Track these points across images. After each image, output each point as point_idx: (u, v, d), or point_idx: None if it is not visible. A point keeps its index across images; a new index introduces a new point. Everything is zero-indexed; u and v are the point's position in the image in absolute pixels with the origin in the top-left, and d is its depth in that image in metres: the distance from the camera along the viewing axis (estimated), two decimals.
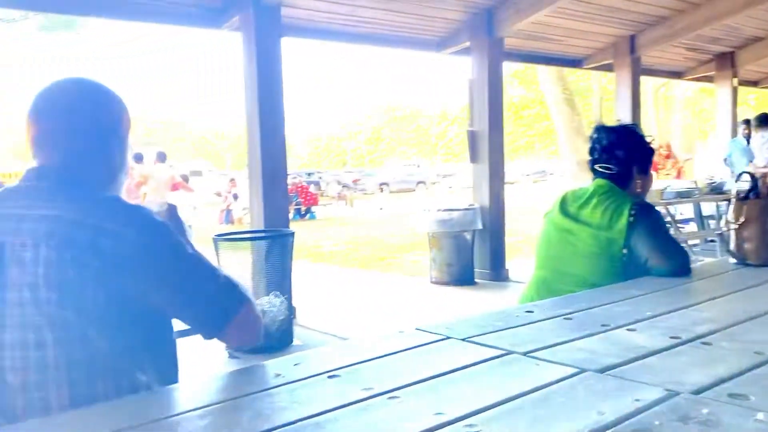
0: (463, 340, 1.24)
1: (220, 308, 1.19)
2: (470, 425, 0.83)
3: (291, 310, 4.32)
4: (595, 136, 2.07)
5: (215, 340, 1.24)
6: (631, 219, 1.88)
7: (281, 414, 0.89)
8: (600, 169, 2.02)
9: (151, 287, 1.13)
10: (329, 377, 1.05)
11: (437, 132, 53.27)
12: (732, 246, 1.97)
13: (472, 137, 6.04)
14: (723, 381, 0.95)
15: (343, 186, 25.03)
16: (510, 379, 1.01)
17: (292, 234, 4.39)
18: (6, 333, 1.05)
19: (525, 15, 5.64)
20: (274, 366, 1.13)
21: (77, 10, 4.94)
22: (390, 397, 0.94)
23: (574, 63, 7.79)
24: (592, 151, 2.06)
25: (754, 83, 10.19)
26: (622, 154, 2.01)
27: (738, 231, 1.95)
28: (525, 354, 1.13)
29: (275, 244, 4.26)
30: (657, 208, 2.05)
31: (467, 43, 6.08)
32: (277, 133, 4.72)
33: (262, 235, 4.45)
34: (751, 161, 7.46)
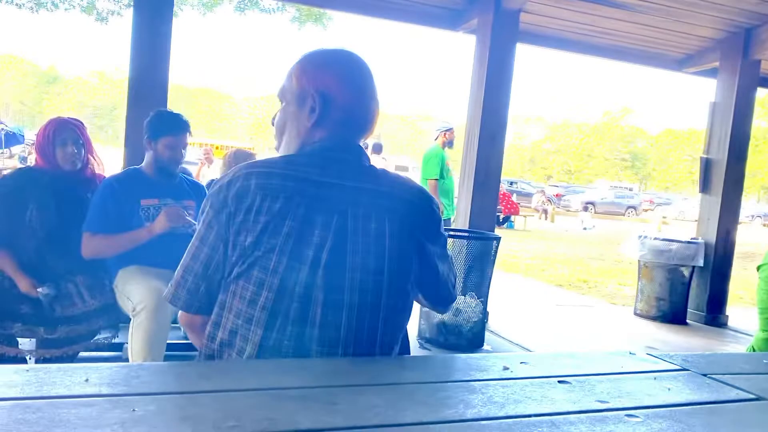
0: (704, 375, 1.15)
1: (452, 286, 1.33)
2: None
3: (485, 315, 4.32)
4: None
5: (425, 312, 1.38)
6: None
7: (515, 405, 0.90)
8: None
9: (434, 255, 1.26)
10: (559, 382, 1.03)
11: (655, 155, 49.65)
12: None
13: (706, 165, 5.52)
14: None
15: (547, 199, 24.36)
16: (765, 426, 0.92)
17: (498, 239, 4.37)
18: (345, 294, 1.14)
19: None
20: (501, 360, 1.14)
21: (329, 4, 5.37)
22: (628, 415, 0.91)
23: None
24: None
25: None
26: None
27: None
28: None
29: (479, 246, 4.27)
30: None
31: (715, 63, 5.56)
32: (496, 139, 4.73)
33: (467, 234, 4.49)
34: None
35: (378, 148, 10.98)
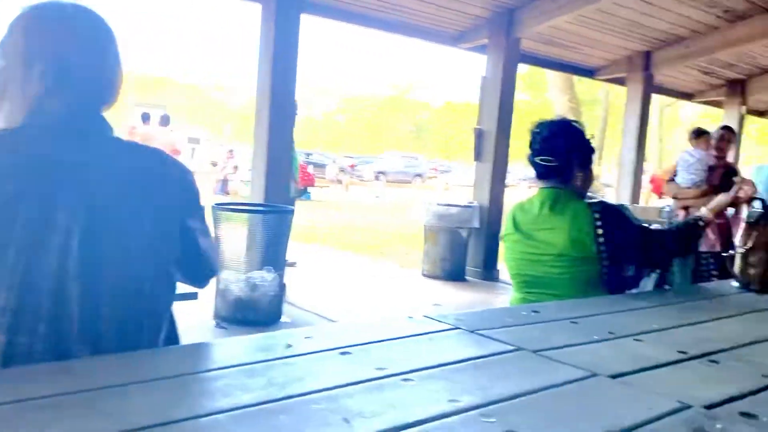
0: (473, 332, 1.24)
1: (213, 261, 1.26)
2: (485, 415, 0.83)
3: (282, 287, 4.32)
4: (536, 130, 1.99)
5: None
6: (599, 231, 1.81)
7: (295, 384, 0.89)
8: (540, 162, 1.96)
9: (196, 231, 1.17)
10: (341, 354, 1.05)
11: (438, 126, 53.21)
12: (736, 270, 1.98)
13: (479, 136, 6.03)
14: (734, 399, 0.95)
15: (341, 170, 24.94)
16: (523, 375, 1.01)
17: (292, 212, 4.38)
18: (104, 283, 1.03)
19: (546, 18, 5.63)
20: (285, 337, 1.13)
21: None
22: (403, 379, 0.94)
23: (587, 72, 7.79)
24: (532, 144, 1.99)
25: (761, 113, 10.23)
26: (562, 145, 1.94)
27: (744, 255, 1.96)
28: (535, 352, 1.13)
29: (274, 220, 4.25)
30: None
31: (485, 40, 6.06)
32: (287, 111, 4.70)
33: (262, 209, 4.44)
34: None
35: (165, 121, 10.31)
